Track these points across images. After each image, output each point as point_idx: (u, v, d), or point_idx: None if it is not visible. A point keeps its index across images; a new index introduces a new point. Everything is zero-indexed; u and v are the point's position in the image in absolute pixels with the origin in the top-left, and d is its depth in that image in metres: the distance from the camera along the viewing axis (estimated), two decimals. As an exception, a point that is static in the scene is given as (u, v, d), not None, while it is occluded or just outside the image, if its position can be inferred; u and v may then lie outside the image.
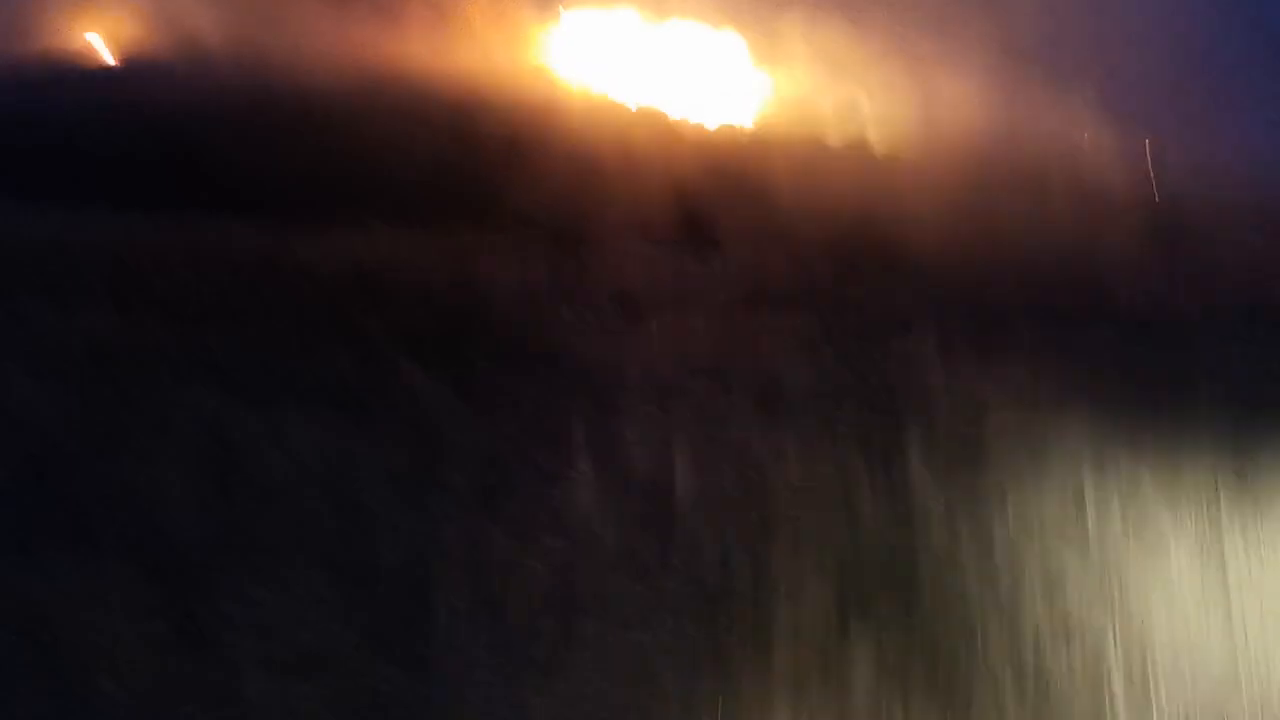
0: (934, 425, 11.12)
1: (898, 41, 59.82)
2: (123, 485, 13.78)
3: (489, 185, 36.08)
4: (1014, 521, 12.93)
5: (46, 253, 21.45)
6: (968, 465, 12.36)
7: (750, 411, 13.99)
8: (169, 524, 13.27)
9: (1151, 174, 50.81)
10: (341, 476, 12.79)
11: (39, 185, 28.54)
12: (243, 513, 14.23)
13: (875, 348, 14.26)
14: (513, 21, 58.40)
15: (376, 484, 12.72)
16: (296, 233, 25.62)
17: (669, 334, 15.94)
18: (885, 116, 55.38)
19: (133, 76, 49.40)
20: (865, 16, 60.19)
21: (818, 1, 60.93)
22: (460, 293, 21.26)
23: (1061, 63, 61.34)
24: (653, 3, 59.69)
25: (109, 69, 52.32)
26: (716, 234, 29.09)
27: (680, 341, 16.02)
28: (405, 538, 12.52)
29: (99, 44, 55.10)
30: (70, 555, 13.17)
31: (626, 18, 60.26)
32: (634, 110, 52.17)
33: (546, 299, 21.06)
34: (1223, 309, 20.04)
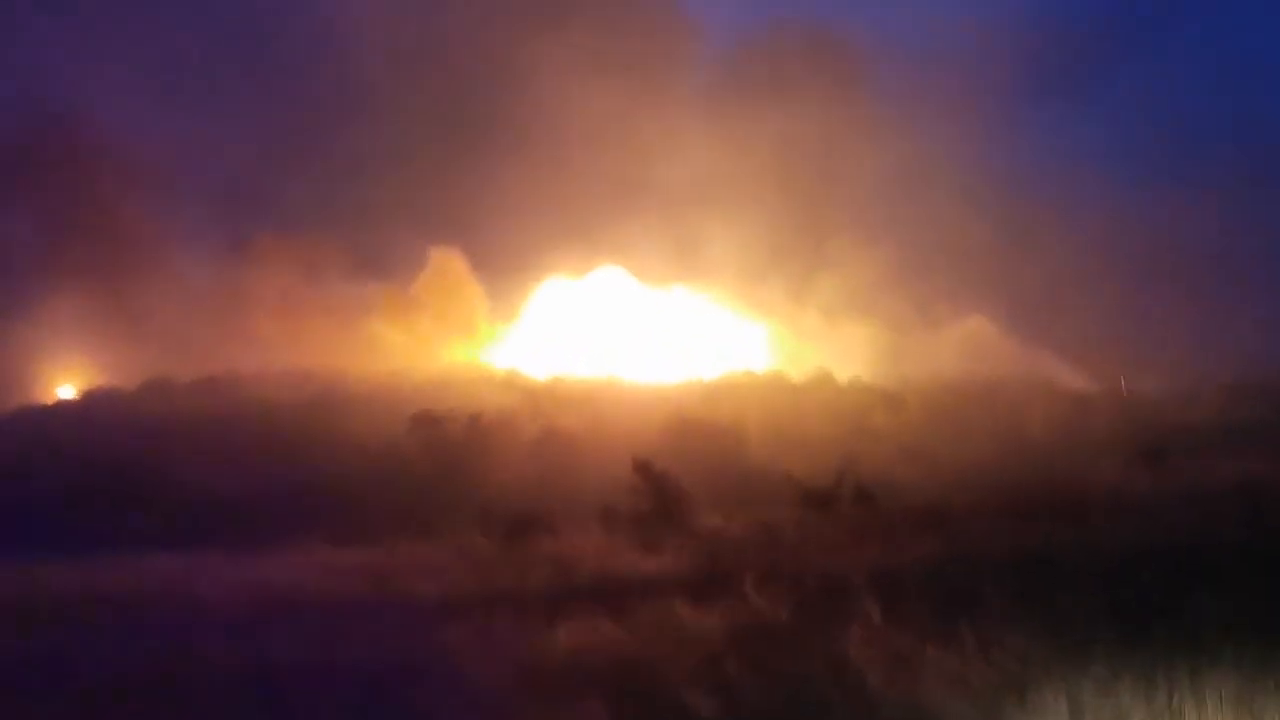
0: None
1: (873, 292, 61.27)
2: None
3: (449, 484, 35.72)
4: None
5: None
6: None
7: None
8: None
9: (1126, 401, 51.43)
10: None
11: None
12: None
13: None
14: (467, 315, 59.72)
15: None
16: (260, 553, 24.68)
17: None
18: (860, 364, 55.95)
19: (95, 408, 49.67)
20: (840, 271, 61.86)
21: (789, 258, 62.77)
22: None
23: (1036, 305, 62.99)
24: (611, 274, 61.22)
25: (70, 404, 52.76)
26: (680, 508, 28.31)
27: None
28: None
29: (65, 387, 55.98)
30: None
31: (589, 288, 61.64)
32: (598, 379, 52.58)
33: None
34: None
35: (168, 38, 71.81)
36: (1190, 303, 62.54)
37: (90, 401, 51.08)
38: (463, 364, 52.79)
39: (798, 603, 14.52)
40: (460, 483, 33.54)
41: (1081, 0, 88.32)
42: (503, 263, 59.20)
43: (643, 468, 29.68)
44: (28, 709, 12.87)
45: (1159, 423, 40.68)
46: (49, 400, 53.07)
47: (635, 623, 12.99)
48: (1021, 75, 78.63)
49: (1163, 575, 15.55)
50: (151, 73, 70.70)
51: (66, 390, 54.57)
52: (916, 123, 69.66)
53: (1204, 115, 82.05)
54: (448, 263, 58.38)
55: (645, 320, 58.13)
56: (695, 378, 52.53)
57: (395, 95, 66.32)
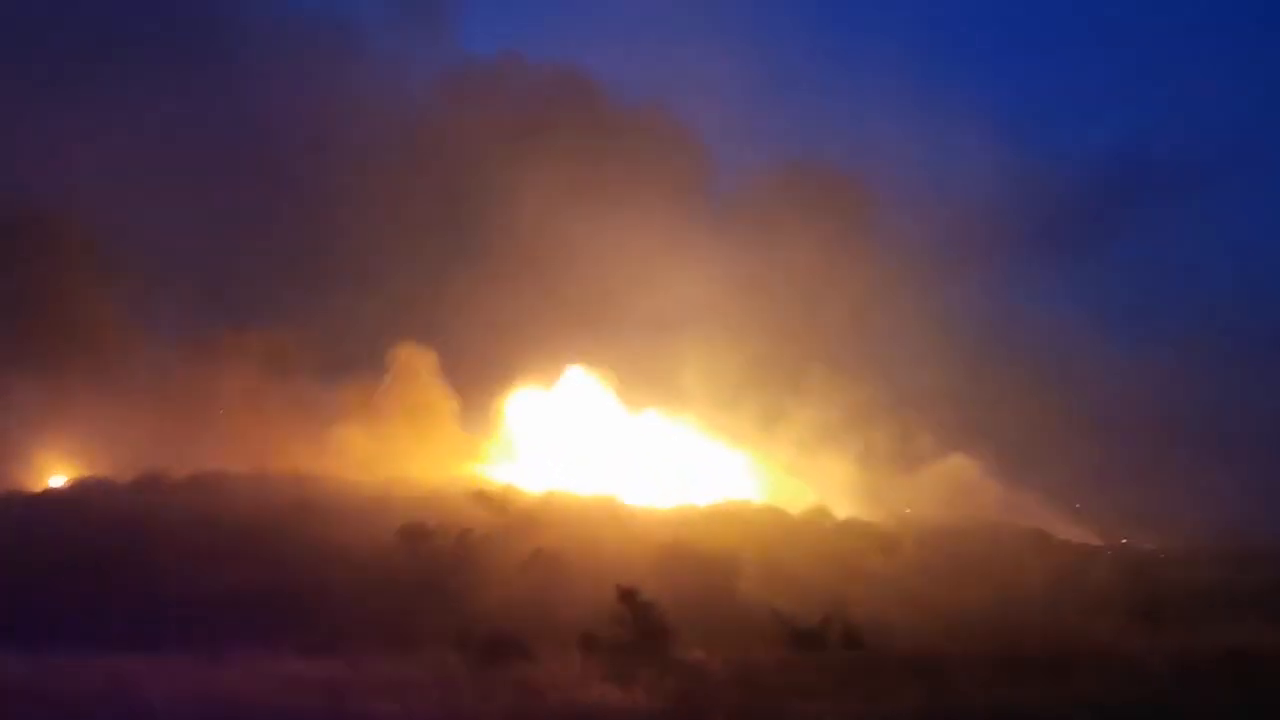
0: None
1: (855, 427, 61.03)
2: None
3: (436, 597, 35.03)
4: None
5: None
6: None
7: None
8: None
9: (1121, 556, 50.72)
10: None
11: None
12: None
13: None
14: (443, 426, 59.47)
15: None
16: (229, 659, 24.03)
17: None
18: (853, 508, 55.39)
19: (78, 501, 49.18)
20: (827, 404, 61.79)
21: (776, 388, 62.64)
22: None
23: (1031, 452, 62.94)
24: (602, 395, 61.02)
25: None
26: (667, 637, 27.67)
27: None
28: None
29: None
30: None
31: (576, 410, 61.36)
32: (587, 499, 51.91)
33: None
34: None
35: (144, 134, 72.75)
36: (1192, 464, 62.29)
37: (75, 493, 50.55)
38: (453, 478, 52.12)
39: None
40: (440, 598, 32.88)
41: (1093, 164, 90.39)
42: (478, 372, 58.75)
43: (628, 595, 29.19)
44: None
45: (1154, 580, 40.07)
46: (37, 488, 52.55)
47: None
48: (1028, 230, 79.94)
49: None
50: (128, 169, 71.39)
51: (56, 479, 54.03)
52: (922, 272, 70.57)
53: (1209, 280, 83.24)
54: (421, 363, 58.13)
55: (629, 441, 57.74)
56: (688, 503, 51.96)
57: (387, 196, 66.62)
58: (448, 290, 62.69)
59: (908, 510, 52.49)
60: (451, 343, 59.47)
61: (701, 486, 56.00)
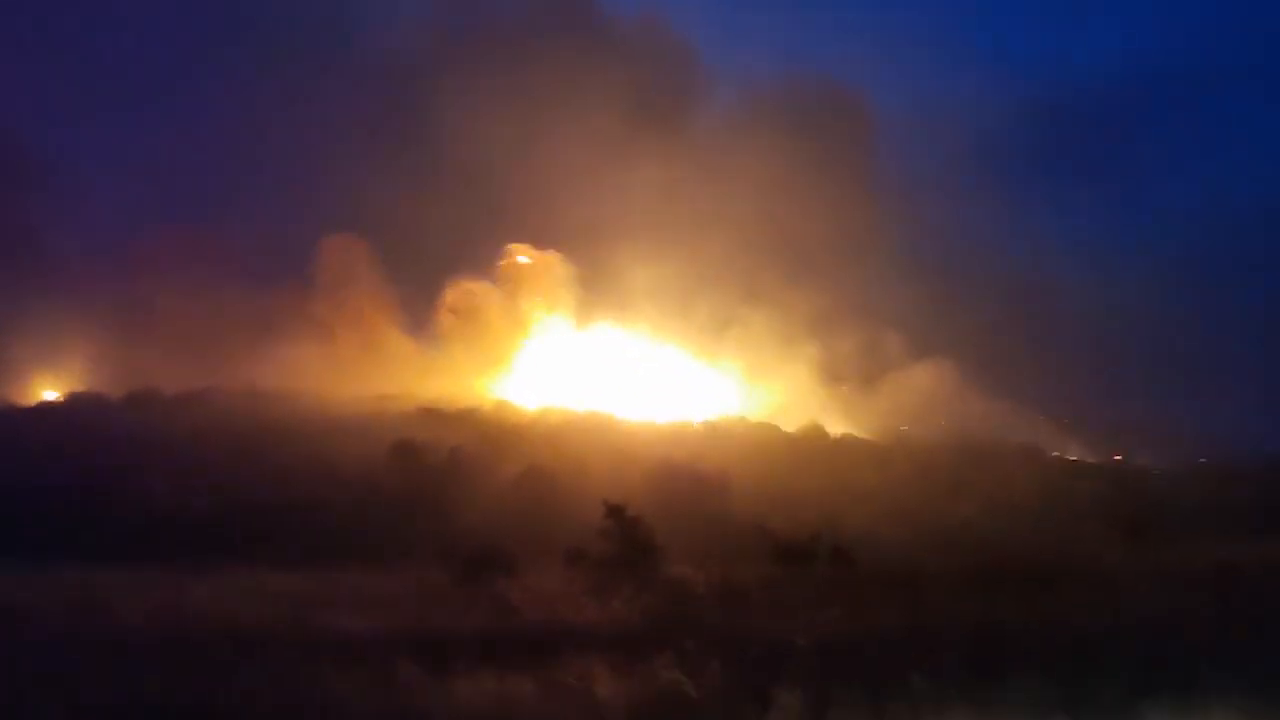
0: None
1: (860, 343, 60.66)
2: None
3: (423, 512, 35.04)
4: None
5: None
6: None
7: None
8: None
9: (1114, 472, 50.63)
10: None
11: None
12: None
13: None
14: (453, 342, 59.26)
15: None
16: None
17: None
18: (848, 418, 55.26)
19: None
20: (826, 320, 61.34)
21: (775, 306, 62.18)
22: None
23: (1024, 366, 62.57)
24: (601, 313, 60.67)
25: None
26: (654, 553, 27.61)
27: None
28: None
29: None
30: None
31: (576, 327, 61.07)
32: (581, 413, 51.92)
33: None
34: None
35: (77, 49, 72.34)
36: (1185, 380, 62.18)
37: (72, 407, 50.59)
38: (447, 393, 51.99)
39: (740, 662, 13.92)
40: (428, 514, 32.88)
41: (1093, 84, 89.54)
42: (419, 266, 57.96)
43: (615, 511, 29.07)
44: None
45: (1144, 496, 40.03)
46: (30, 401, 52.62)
47: (551, 677, 12.32)
48: (1028, 149, 79.27)
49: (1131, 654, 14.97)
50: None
51: (51, 394, 54.10)
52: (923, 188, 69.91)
53: (1209, 200, 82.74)
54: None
55: (630, 360, 57.53)
56: (684, 420, 51.96)
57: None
58: (389, 188, 61.85)
59: (903, 428, 52.55)
60: (392, 239, 58.74)
61: (697, 404, 56.11)
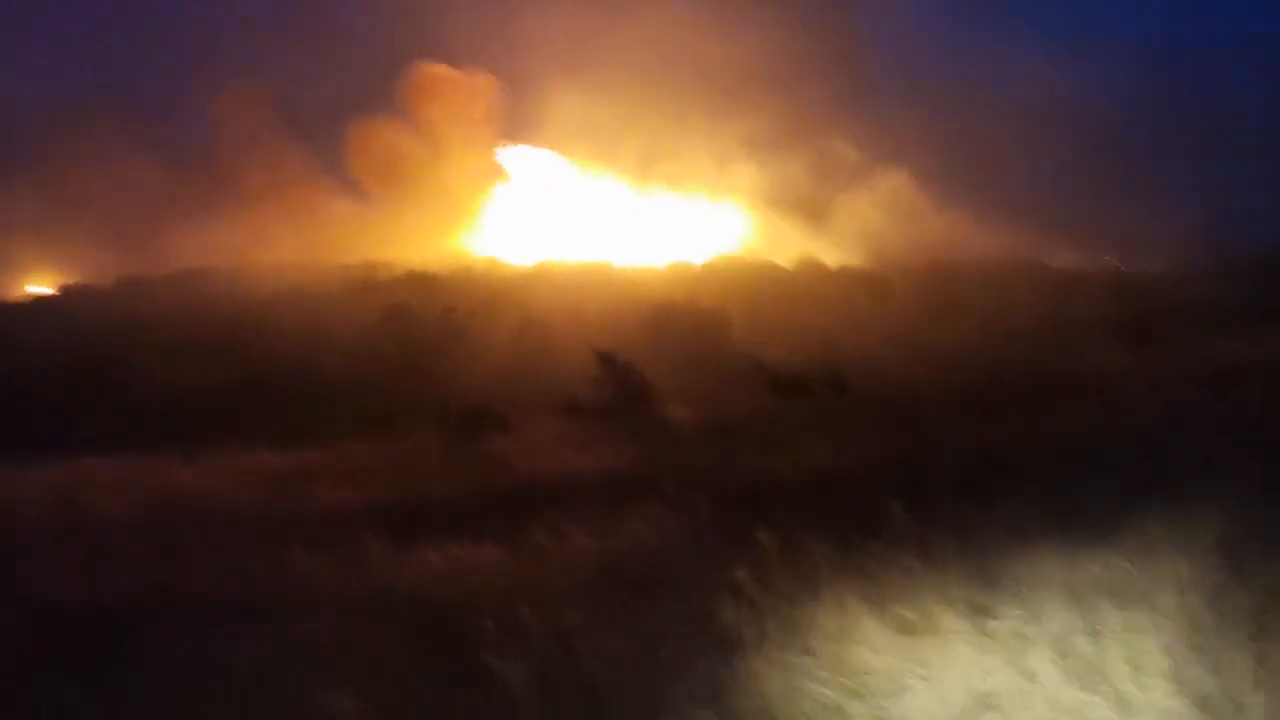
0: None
1: (856, 171, 59.32)
2: None
3: (421, 378, 34.73)
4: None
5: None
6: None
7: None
8: None
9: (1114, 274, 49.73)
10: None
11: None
12: None
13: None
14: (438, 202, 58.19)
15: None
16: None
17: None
18: (843, 242, 54.50)
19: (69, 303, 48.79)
20: (821, 150, 59.82)
21: (768, 140, 60.65)
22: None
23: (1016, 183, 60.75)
24: (592, 156, 59.40)
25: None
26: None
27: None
28: None
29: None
30: None
31: (568, 171, 59.95)
32: (577, 263, 51.26)
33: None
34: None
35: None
36: (1186, 180, 60.67)
37: (61, 297, 50.27)
38: (438, 254, 51.28)
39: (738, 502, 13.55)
40: (421, 379, 32.57)
41: None
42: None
43: (606, 359, 28.70)
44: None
45: (1143, 301, 39.47)
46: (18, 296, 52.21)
47: (525, 538, 11.94)
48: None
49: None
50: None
51: (38, 287, 53.70)
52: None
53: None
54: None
55: (612, 204, 56.63)
56: (679, 261, 51.39)
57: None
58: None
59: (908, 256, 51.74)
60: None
61: (696, 244, 55.36)
